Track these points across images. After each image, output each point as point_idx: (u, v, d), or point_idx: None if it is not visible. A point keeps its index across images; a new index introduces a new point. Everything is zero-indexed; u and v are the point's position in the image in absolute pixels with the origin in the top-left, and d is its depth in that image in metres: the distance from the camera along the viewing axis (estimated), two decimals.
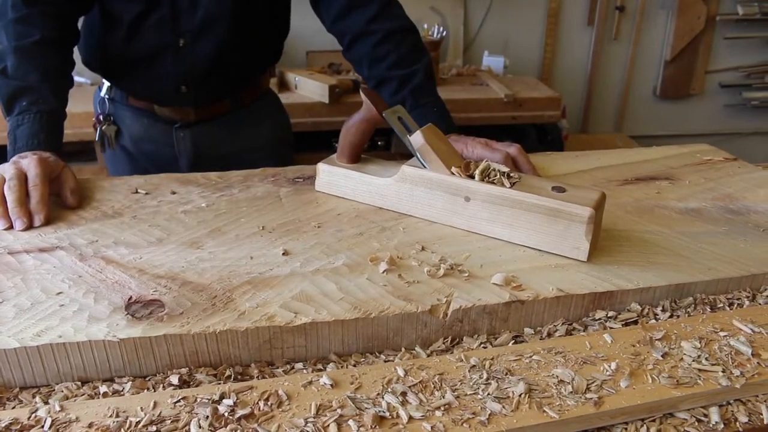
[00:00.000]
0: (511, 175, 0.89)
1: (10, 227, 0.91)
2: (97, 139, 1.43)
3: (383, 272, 0.80)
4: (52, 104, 1.09)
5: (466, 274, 0.80)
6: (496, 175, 0.89)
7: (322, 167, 1.04)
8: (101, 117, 1.42)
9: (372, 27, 1.23)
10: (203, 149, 1.44)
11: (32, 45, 1.09)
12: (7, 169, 0.97)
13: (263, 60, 1.45)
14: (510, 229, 0.88)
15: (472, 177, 0.90)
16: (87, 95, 2.41)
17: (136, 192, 1.04)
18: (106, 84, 1.41)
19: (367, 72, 1.27)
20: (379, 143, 2.59)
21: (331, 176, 1.03)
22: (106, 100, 1.42)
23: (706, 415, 0.62)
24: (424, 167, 0.94)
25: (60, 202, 0.99)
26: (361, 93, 0.98)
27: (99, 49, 1.32)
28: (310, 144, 2.42)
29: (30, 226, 0.91)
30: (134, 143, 1.43)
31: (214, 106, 1.41)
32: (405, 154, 0.98)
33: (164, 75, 1.31)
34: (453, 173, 0.91)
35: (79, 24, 1.24)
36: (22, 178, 0.95)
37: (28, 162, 0.98)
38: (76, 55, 1.23)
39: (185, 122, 1.40)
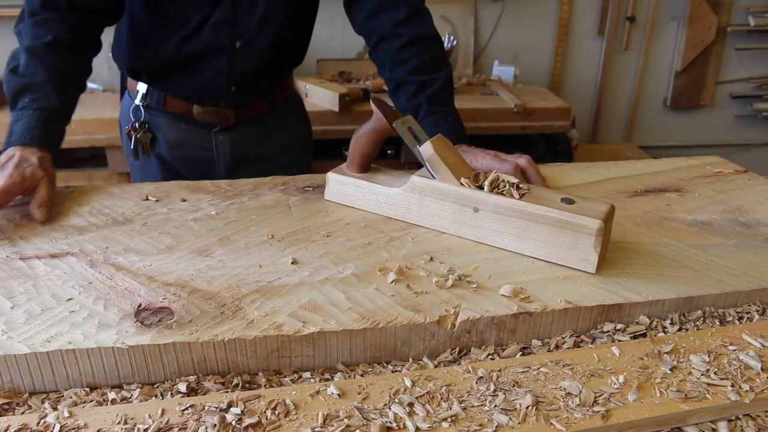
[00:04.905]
0: (521, 186, 0.89)
1: None
2: (132, 147, 1.42)
3: (392, 282, 0.80)
4: (53, 103, 1.09)
5: (475, 285, 0.80)
6: (505, 186, 0.89)
7: (331, 176, 1.04)
8: (136, 125, 1.41)
9: (398, 30, 1.25)
10: (240, 152, 1.46)
11: (43, 45, 1.11)
12: None
13: (297, 58, 1.48)
14: (519, 240, 0.88)
15: (481, 188, 0.90)
16: (99, 102, 2.44)
17: (147, 199, 1.04)
18: (141, 91, 1.40)
19: (388, 74, 1.28)
20: (389, 152, 2.59)
21: (341, 186, 1.03)
22: (141, 107, 1.41)
23: (714, 430, 0.62)
24: (434, 178, 0.94)
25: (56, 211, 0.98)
26: (372, 103, 0.98)
27: (149, 54, 1.33)
28: (319, 152, 2.42)
29: None
30: (170, 150, 1.44)
31: (252, 108, 1.44)
32: (414, 164, 0.98)
33: (218, 76, 1.33)
34: (462, 184, 0.91)
35: (109, 34, 1.25)
36: None
37: (1, 174, 0.97)
38: (111, 64, 1.23)
39: (224, 125, 1.42)
